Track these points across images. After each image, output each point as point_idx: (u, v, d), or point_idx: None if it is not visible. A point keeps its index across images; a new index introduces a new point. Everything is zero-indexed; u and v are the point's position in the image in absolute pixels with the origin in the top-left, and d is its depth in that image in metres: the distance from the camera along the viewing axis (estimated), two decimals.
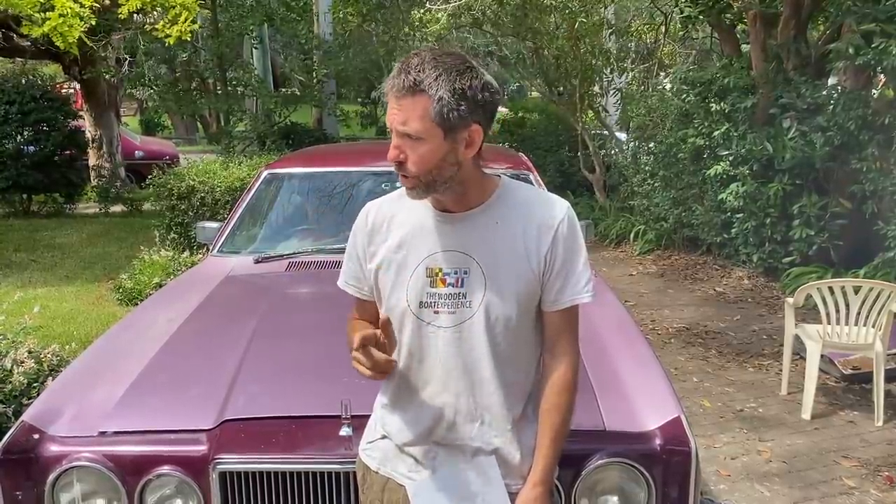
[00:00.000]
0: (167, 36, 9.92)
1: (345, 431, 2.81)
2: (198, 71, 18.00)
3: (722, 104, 10.04)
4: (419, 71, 2.19)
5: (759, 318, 8.74)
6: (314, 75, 19.37)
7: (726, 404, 6.40)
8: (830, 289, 6.02)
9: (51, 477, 2.86)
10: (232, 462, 2.83)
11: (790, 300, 6.32)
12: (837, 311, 5.99)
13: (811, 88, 9.22)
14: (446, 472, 2.41)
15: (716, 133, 10.00)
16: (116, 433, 2.98)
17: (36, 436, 2.96)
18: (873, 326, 5.93)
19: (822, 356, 6.13)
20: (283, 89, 21.74)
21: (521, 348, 2.42)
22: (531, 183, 5.17)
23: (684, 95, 10.96)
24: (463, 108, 2.20)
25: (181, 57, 17.60)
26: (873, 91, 9.31)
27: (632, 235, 12.61)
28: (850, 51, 8.30)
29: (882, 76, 9.06)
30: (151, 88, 17.56)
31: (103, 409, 3.11)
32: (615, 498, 2.90)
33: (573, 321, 2.44)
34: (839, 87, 9.38)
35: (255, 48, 18.73)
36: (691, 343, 7.98)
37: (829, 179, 9.32)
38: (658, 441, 2.90)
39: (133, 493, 2.85)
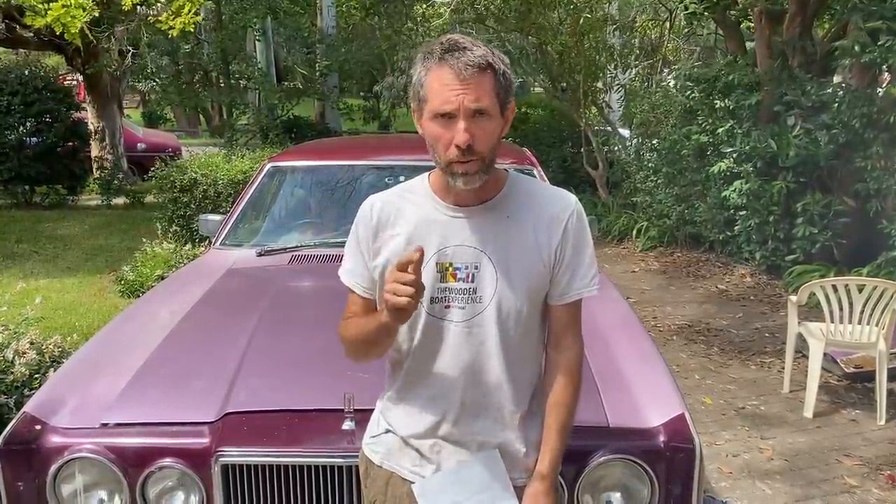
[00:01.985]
0: (170, 28, 9.92)
1: (347, 425, 2.80)
2: (201, 64, 18.06)
3: (726, 101, 10.01)
4: (477, 46, 2.20)
5: (762, 316, 8.72)
6: (317, 69, 19.40)
7: (728, 402, 6.39)
8: (834, 287, 6.00)
9: (52, 468, 2.85)
10: (234, 455, 2.82)
11: (793, 298, 6.32)
12: (840, 309, 5.97)
13: (816, 86, 9.19)
14: (451, 468, 2.40)
15: (720, 130, 9.97)
16: (118, 425, 2.97)
17: (38, 427, 2.95)
18: (876, 325, 5.91)
19: (824, 354, 6.11)
20: (286, 83, 21.84)
21: (530, 343, 2.43)
22: (536, 178, 5.16)
23: (688, 92, 10.92)
24: (511, 84, 2.25)
25: (184, 49, 17.63)
26: (878, 89, 9.29)
27: (634, 232, 12.59)
28: (856, 48, 8.29)
29: (887, 74, 9.07)
30: (154, 81, 17.70)
31: (105, 401, 3.10)
32: (618, 494, 2.89)
33: (578, 314, 2.45)
34: (844, 85, 9.35)
35: (258, 41, 18.77)
36: (693, 340, 7.97)
37: (832, 178, 9.31)
38: (662, 438, 2.89)
39: (135, 485, 2.84)
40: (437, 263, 2.35)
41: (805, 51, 9.64)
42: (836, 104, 8.91)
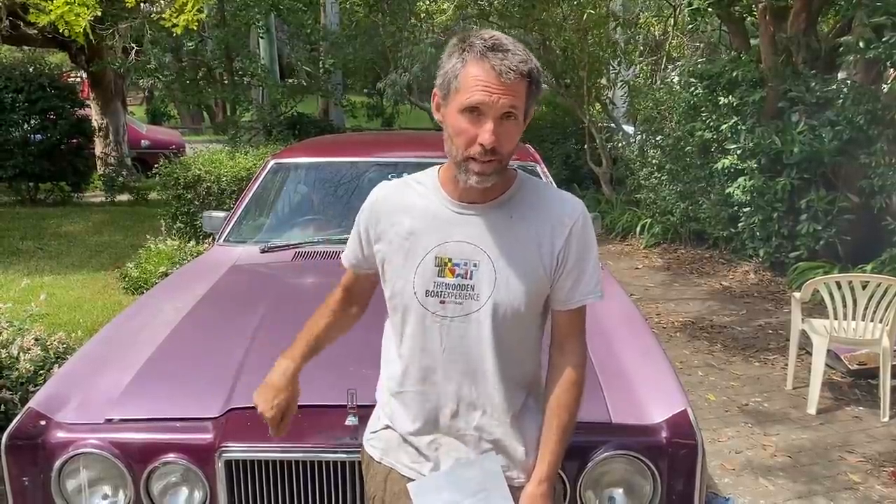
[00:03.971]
0: (174, 25, 9.86)
1: (350, 421, 2.81)
2: (204, 60, 17.95)
3: (730, 97, 9.98)
4: (518, 50, 2.20)
5: (766, 313, 8.72)
6: (321, 66, 19.47)
7: (731, 398, 6.39)
8: (838, 284, 5.99)
9: (57, 463, 2.86)
10: (238, 451, 2.84)
11: (797, 295, 6.32)
12: (844, 306, 5.97)
13: (820, 82, 9.18)
14: (448, 468, 2.42)
15: (723, 126, 9.94)
16: (123, 420, 2.99)
17: (43, 422, 2.96)
18: (880, 322, 5.91)
19: (828, 351, 6.12)
20: (290, 80, 21.78)
21: (525, 342, 2.43)
22: (538, 175, 5.21)
23: (692, 88, 10.88)
24: (540, 92, 2.29)
25: (187, 46, 17.43)
26: (883, 85, 9.28)
27: (638, 229, 12.61)
28: (861, 44, 8.29)
29: (892, 70, 9.03)
30: (158, 78, 17.62)
31: (109, 397, 3.12)
32: (620, 490, 2.90)
33: (582, 320, 2.46)
34: (849, 82, 9.33)
35: (262, 38, 18.74)
36: (696, 337, 7.96)
37: (837, 174, 9.31)
38: (664, 434, 2.90)
39: (139, 480, 2.86)
40: (436, 258, 2.36)
41: (809, 47, 9.60)
42: (841, 101, 8.90)
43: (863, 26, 8.34)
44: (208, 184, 10.44)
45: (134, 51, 16.51)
